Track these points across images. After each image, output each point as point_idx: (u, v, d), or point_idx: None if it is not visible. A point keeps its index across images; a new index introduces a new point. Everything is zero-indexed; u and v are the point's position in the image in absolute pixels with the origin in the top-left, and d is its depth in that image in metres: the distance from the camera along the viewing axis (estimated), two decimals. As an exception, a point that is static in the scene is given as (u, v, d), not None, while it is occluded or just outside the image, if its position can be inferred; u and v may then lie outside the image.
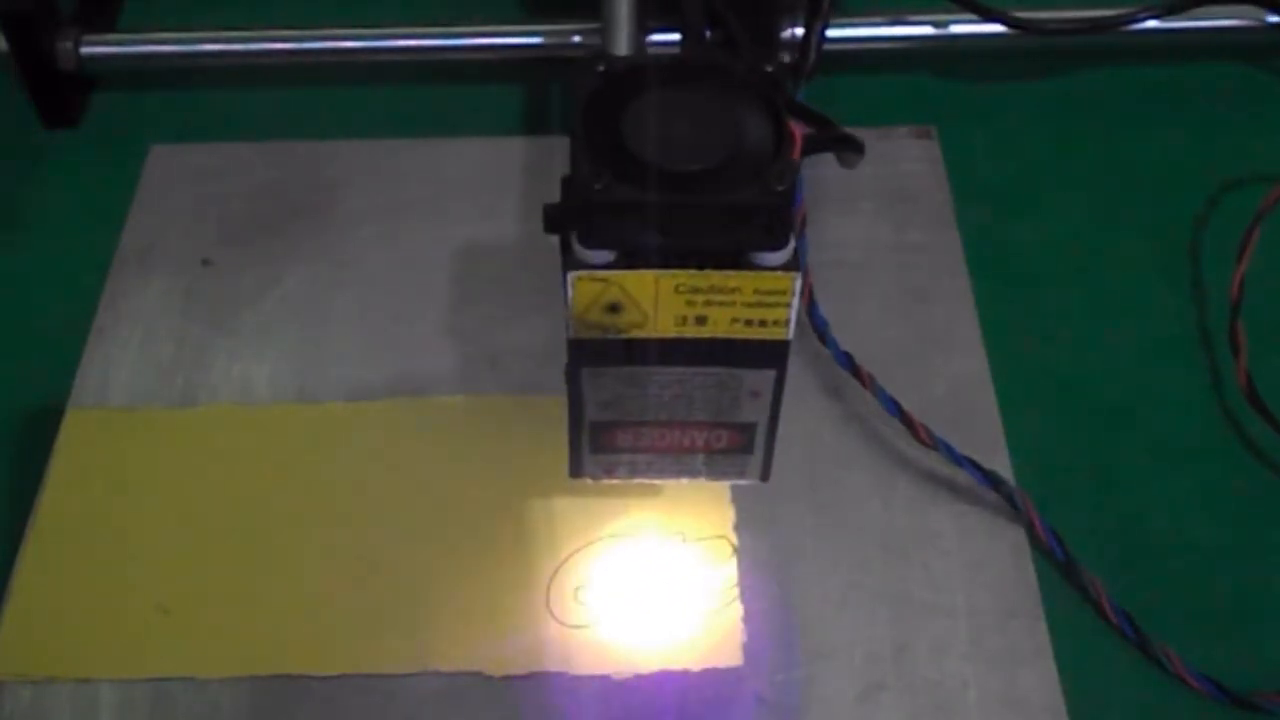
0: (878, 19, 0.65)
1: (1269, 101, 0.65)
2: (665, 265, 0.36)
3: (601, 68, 0.38)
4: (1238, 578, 0.49)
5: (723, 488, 0.50)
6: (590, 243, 0.36)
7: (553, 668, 0.46)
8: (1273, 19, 0.63)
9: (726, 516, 0.50)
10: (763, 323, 0.37)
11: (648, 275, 0.36)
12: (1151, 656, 0.47)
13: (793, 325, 0.37)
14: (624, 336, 0.38)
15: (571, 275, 0.36)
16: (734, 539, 0.49)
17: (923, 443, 0.50)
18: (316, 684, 0.46)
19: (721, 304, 0.37)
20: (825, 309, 0.53)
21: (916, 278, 0.57)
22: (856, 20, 0.65)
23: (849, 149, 0.51)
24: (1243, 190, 0.57)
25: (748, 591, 0.48)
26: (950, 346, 0.55)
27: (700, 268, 0.36)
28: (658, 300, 0.37)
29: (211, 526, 0.50)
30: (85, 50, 0.64)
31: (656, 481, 0.44)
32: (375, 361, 0.55)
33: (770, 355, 0.38)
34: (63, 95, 0.65)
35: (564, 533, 0.49)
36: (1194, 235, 0.59)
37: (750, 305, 0.37)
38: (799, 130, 0.37)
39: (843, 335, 0.52)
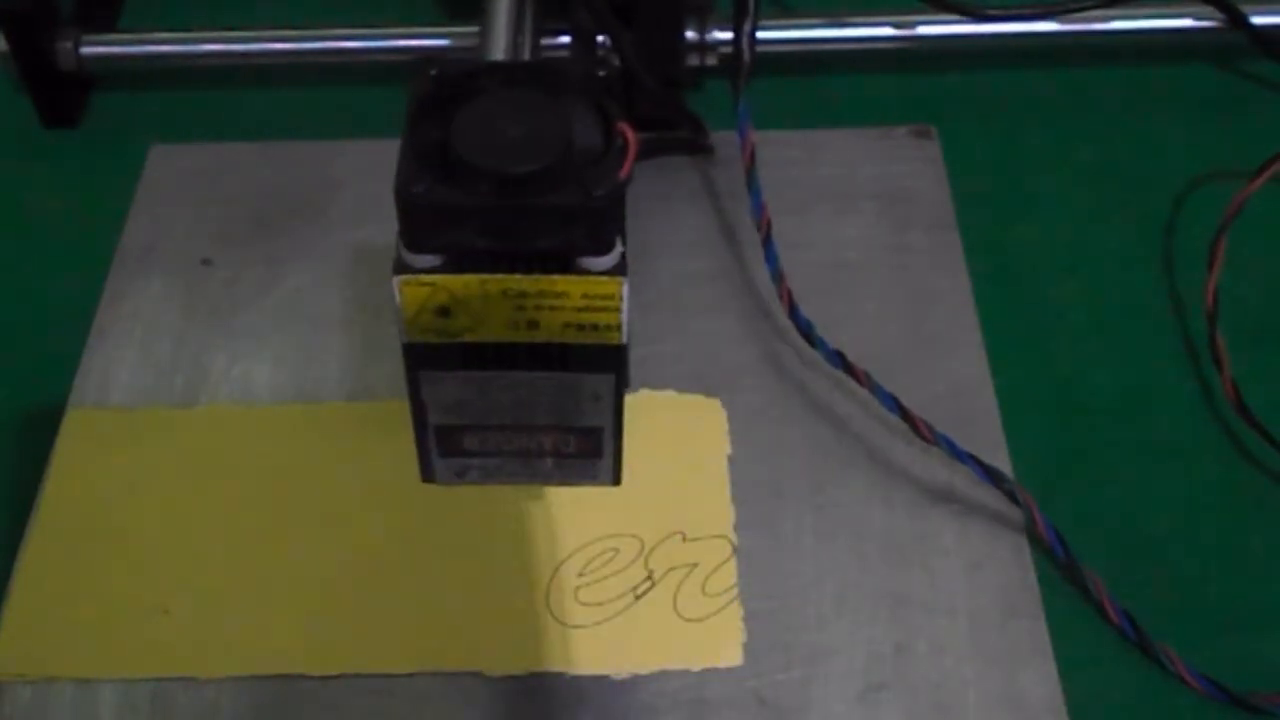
0: (874, 19, 0.65)
1: (1261, 99, 0.65)
2: (493, 269, 0.36)
3: (434, 71, 0.38)
4: (1238, 578, 0.49)
5: (723, 486, 0.50)
6: (414, 246, 0.36)
7: (553, 668, 0.46)
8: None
9: (726, 516, 0.50)
10: (594, 327, 0.37)
11: (473, 279, 0.36)
12: (1152, 656, 0.47)
13: (625, 330, 0.37)
14: (458, 341, 0.37)
15: (396, 280, 0.36)
16: (734, 539, 0.49)
17: (923, 438, 0.50)
18: (316, 684, 0.46)
19: (551, 308, 0.36)
20: (825, 309, 0.53)
21: (916, 278, 0.57)
22: (851, 20, 0.65)
23: (694, 150, 0.50)
24: (1268, 186, 0.57)
25: (748, 591, 0.48)
26: (950, 346, 0.55)
27: (529, 272, 0.36)
28: (486, 305, 0.36)
29: (211, 526, 0.50)
30: (85, 50, 0.64)
31: (509, 485, 0.43)
32: (375, 361, 0.55)
33: (606, 359, 0.38)
34: (63, 95, 0.65)
35: (564, 532, 0.49)
36: (1194, 234, 0.59)
37: (580, 310, 0.36)
38: (633, 135, 0.37)
39: (842, 335, 0.52)
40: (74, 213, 0.61)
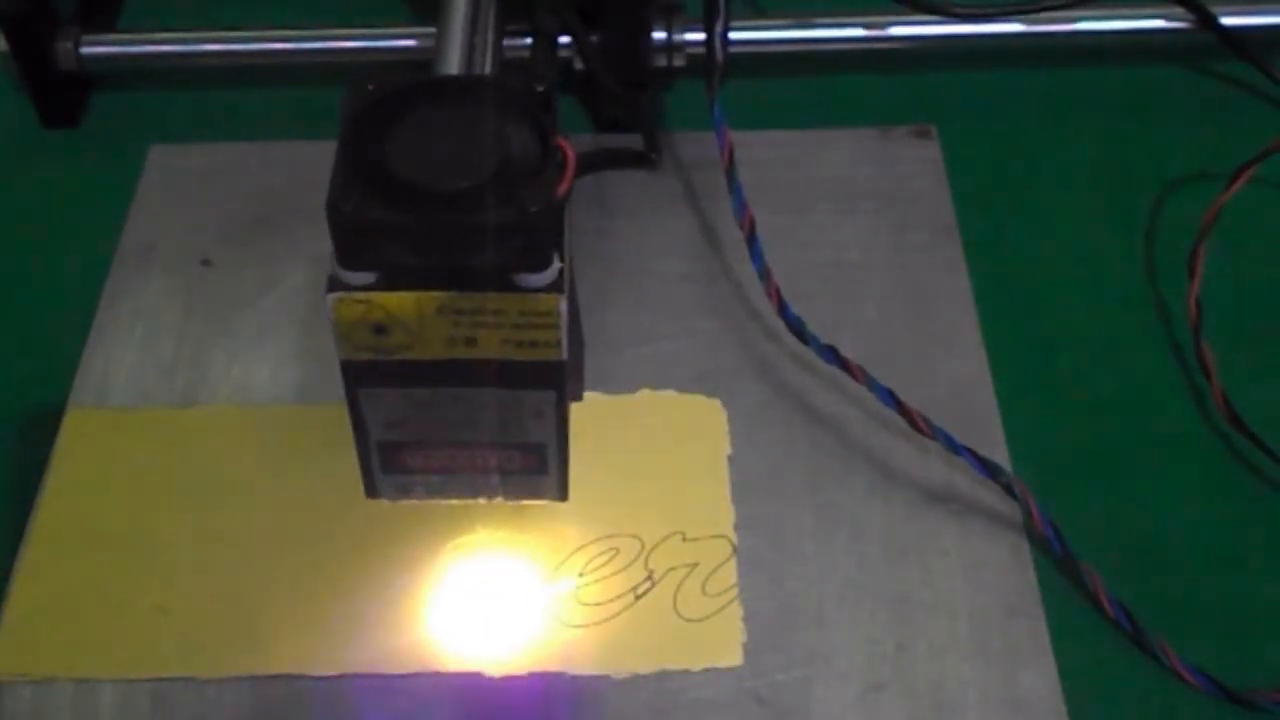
0: (871, 19, 0.65)
1: (1266, 101, 0.65)
2: (429, 286, 0.35)
3: (371, 86, 0.37)
4: (1237, 578, 0.49)
5: (723, 486, 0.50)
6: (348, 263, 0.35)
7: (553, 668, 0.46)
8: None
9: (726, 516, 0.50)
10: (534, 344, 0.37)
11: (408, 297, 0.35)
12: (1148, 651, 0.47)
13: (564, 346, 0.37)
14: (395, 358, 0.37)
15: (330, 297, 0.35)
16: (734, 539, 0.49)
17: (920, 431, 0.49)
18: (316, 684, 0.46)
19: (489, 326, 0.36)
20: (825, 309, 0.53)
21: (916, 278, 0.57)
22: (847, 20, 0.65)
23: (638, 165, 0.50)
24: (1247, 188, 0.57)
25: (748, 591, 0.48)
26: (950, 346, 0.55)
27: (465, 289, 0.35)
28: (423, 322, 0.36)
29: (211, 526, 0.50)
30: (85, 50, 0.64)
31: (456, 501, 0.42)
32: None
33: (547, 375, 0.38)
34: (63, 95, 0.65)
35: (564, 532, 0.49)
36: (1194, 234, 0.59)
37: (519, 326, 0.36)
38: (571, 151, 0.36)
39: (842, 335, 0.52)
40: (74, 213, 0.61)
